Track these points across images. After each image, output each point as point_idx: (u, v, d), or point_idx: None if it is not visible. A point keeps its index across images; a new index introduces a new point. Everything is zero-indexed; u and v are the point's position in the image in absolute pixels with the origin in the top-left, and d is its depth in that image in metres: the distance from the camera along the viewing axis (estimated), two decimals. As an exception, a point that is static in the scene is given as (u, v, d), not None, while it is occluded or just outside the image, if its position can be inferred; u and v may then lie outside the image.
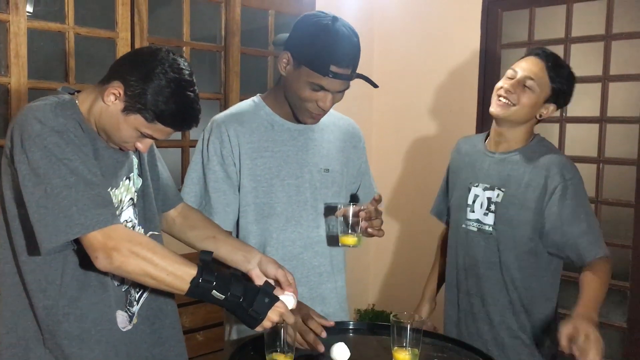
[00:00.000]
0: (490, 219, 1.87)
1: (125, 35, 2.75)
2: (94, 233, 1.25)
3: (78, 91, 1.44)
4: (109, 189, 1.36)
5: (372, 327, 1.73)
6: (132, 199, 1.47)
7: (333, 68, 1.54)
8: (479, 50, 3.34)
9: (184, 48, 3.02)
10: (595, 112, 2.97)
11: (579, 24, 3.03)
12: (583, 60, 3.13)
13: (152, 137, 1.38)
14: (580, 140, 3.18)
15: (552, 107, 1.86)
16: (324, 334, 1.50)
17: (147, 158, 1.56)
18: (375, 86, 1.65)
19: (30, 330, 1.36)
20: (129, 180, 1.47)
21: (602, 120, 2.95)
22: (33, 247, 1.31)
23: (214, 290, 1.31)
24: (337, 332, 1.61)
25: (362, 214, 1.63)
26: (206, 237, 1.61)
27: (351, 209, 1.63)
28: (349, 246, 1.67)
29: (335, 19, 1.59)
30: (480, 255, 1.88)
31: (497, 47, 3.31)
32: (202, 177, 1.71)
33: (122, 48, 2.74)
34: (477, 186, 1.92)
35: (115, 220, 1.29)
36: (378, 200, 1.68)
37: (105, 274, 1.38)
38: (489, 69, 3.32)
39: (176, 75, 1.32)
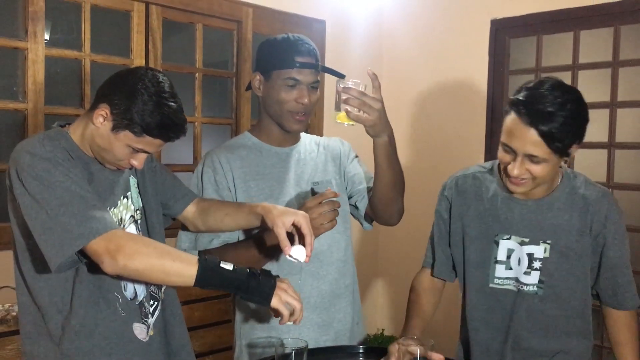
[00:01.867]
0: (533, 279, 1.63)
1: (139, 62, 2.81)
2: (95, 240, 1.29)
3: (69, 123, 1.51)
4: (107, 209, 1.41)
5: (382, 352, 1.72)
6: (132, 216, 1.52)
7: (298, 59, 1.68)
8: (487, 77, 3.38)
9: (197, 74, 3.08)
10: (604, 138, 2.99)
11: (586, 50, 3.07)
12: (591, 87, 3.15)
13: (144, 151, 1.43)
14: (589, 165, 3.19)
15: (574, 147, 1.52)
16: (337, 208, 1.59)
17: (147, 175, 1.61)
18: (342, 76, 1.71)
19: (50, 354, 1.41)
20: (127, 199, 1.52)
21: (611, 145, 2.96)
22: (42, 270, 1.37)
23: (221, 263, 1.34)
24: (346, 355, 1.62)
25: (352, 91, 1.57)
26: (223, 216, 1.64)
27: (341, 85, 1.58)
28: (344, 123, 1.59)
29: (287, 33, 1.78)
30: (524, 317, 1.65)
31: (505, 74, 3.35)
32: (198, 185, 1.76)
33: (136, 74, 2.79)
34: (507, 239, 1.64)
35: (114, 225, 1.34)
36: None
37: (116, 289, 1.43)
38: (497, 95, 3.35)
39: (157, 88, 1.39)
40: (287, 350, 1.41)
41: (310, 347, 1.48)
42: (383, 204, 1.79)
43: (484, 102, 3.39)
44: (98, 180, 1.44)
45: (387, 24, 3.86)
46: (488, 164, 1.77)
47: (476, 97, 3.43)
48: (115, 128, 1.38)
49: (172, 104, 1.40)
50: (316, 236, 1.54)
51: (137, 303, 1.49)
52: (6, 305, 2.29)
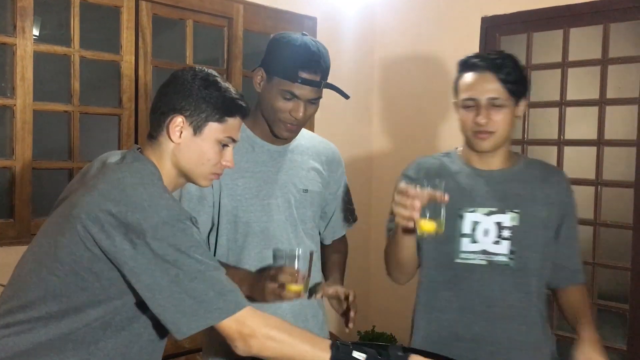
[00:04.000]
0: (503, 248, 1.63)
1: (129, 59, 2.79)
2: (227, 322, 1.25)
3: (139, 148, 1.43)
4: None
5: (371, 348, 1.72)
6: None
7: (301, 74, 1.62)
8: (478, 74, 3.38)
9: (187, 71, 3.07)
10: (593, 135, 3.01)
11: (576, 48, 3.08)
12: (580, 84, 3.17)
13: (232, 141, 1.41)
14: (578, 162, 3.20)
15: (522, 103, 1.69)
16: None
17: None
18: (347, 97, 1.71)
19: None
20: None
21: (600, 143, 2.98)
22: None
23: (354, 351, 1.30)
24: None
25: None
26: None
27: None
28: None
29: (303, 34, 1.70)
30: (497, 293, 1.64)
31: (496, 71, 3.35)
32: (178, 196, 1.74)
33: (127, 71, 2.78)
34: (472, 211, 1.66)
35: (244, 302, 1.29)
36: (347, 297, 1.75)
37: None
38: (488, 92, 3.36)
39: (206, 75, 1.39)
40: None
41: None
42: None
43: (474, 99, 3.39)
44: None
45: (378, 21, 3.86)
46: (442, 153, 1.85)
47: (467, 94, 3.43)
48: (197, 128, 1.36)
49: (226, 83, 1.41)
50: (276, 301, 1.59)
51: None
52: None
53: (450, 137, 3.52)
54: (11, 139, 2.50)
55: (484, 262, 1.64)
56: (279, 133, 1.73)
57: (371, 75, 3.87)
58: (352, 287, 1.98)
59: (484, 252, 1.64)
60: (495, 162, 1.72)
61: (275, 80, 1.66)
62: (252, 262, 1.75)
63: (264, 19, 3.27)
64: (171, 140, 1.36)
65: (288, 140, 1.80)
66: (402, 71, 3.77)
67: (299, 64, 1.63)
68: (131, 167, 1.33)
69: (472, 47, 3.39)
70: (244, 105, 1.41)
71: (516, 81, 1.65)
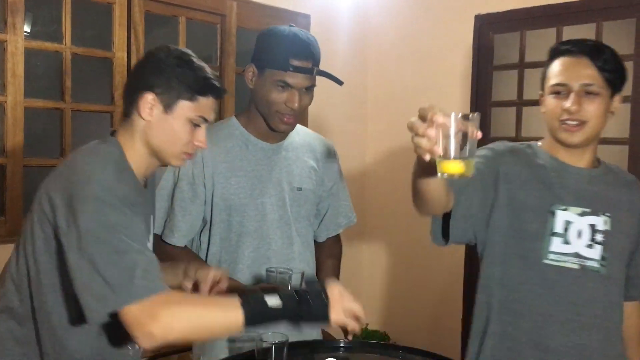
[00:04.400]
0: (596, 253, 1.48)
1: (121, 55, 2.78)
2: (131, 308, 1.15)
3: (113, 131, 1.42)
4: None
5: (364, 346, 1.73)
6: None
7: (293, 62, 1.62)
8: (471, 72, 3.39)
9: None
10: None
11: (569, 46, 3.08)
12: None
13: (204, 120, 1.37)
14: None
15: (617, 98, 1.53)
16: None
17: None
18: (340, 83, 1.70)
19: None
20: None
21: None
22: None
23: (266, 297, 1.22)
24: (328, 349, 1.62)
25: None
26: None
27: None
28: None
29: (291, 25, 1.71)
30: (586, 301, 1.47)
31: (489, 69, 3.35)
32: (171, 194, 1.73)
33: (119, 68, 2.77)
34: (564, 210, 1.48)
35: (160, 288, 1.20)
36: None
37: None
38: (481, 90, 3.36)
39: (180, 53, 1.37)
40: (267, 345, 1.39)
41: (292, 340, 1.46)
42: None
43: (468, 97, 3.39)
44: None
45: (372, 18, 3.85)
46: (522, 143, 1.63)
47: (461, 92, 3.44)
48: (168, 106, 1.33)
49: (201, 63, 1.38)
50: None
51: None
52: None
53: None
54: (2, 137, 2.48)
55: (576, 266, 1.47)
56: (276, 126, 1.71)
57: (365, 73, 3.87)
58: (344, 285, 1.97)
59: (577, 255, 1.48)
60: (584, 160, 1.54)
61: (267, 73, 1.65)
62: (245, 262, 1.73)
63: (258, 16, 3.26)
64: (142, 117, 1.35)
65: (284, 134, 1.78)
66: (396, 69, 3.77)
67: (290, 52, 1.63)
68: (91, 148, 1.35)
69: (466, 45, 3.40)
70: (217, 85, 1.38)
71: (614, 70, 1.49)
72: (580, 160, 1.54)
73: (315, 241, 1.93)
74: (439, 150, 1.05)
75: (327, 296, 1.26)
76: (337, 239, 1.99)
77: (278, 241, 1.75)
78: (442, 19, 3.52)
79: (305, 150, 1.84)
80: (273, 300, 1.22)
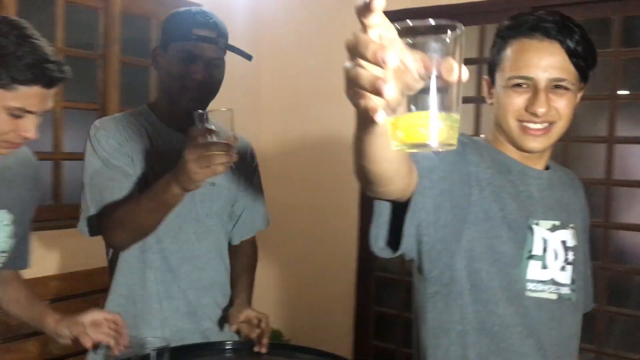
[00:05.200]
0: (567, 276, 1.20)
1: (-11, 39, 2.53)
2: None
3: None
4: None
5: (251, 346, 1.68)
6: None
7: (196, 31, 1.57)
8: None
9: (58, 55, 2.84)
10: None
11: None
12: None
13: (26, 111, 1.18)
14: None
15: (582, 90, 1.24)
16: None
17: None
18: (249, 58, 1.66)
19: None
20: None
21: (568, 138, 2.88)
22: None
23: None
24: (215, 352, 1.56)
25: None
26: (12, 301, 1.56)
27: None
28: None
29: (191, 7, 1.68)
30: (564, 336, 1.21)
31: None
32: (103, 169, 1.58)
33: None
34: (537, 224, 1.18)
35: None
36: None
37: None
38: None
39: (12, 26, 1.17)
40: (147, 351, 1.32)
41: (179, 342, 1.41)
42: None
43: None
44: None
45: (265, 10, 3.80)
46: (465, 135, 1.26)
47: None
48: None
49: (38, 40, 1.16)
50: (208, 177, 1.35)
51: None
52: None
53: (343, 120, 3.53)
54: None
55: (554, 296, 1.18)
56: (185, 103, 1.58)
57: (256, 65, 3.80)
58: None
59: (553, 282, 1.18)
60: (543, 160, 1.26)
61: (171, 47, 1.59)
62: (153, 253, 1.63)
63: (145, 2, 3.10)
64: None
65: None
66: (289, 62, 3.74)
67: (192, 23, 1.58)
68: None
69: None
70: (49, 74, 1.17)
71: (586, 56, 1.17)
72: (539, 161, 1.24)
73: (229, 243, 1.84)
74: (393, 102, 0.61)
75: None
76: (252, 241, 1.92)
77: (184, 236, 1.66)
78: (340, 13, 3.47)
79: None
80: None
